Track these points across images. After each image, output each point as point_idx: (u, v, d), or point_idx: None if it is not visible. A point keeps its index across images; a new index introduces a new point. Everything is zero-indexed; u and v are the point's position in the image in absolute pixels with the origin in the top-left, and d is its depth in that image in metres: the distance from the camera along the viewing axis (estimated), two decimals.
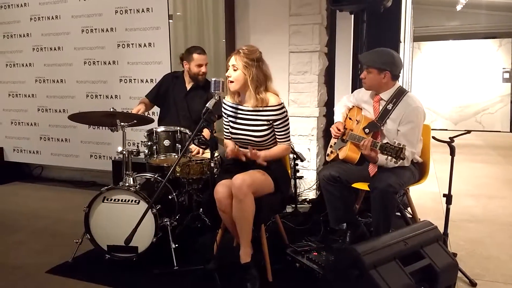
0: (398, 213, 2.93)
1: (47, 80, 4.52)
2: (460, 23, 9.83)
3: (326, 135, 3.89)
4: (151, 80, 3.97)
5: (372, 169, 2.68)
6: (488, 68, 10.01)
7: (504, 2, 8.16)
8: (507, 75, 9.89)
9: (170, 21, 3.92)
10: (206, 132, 2.96)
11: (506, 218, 3.53)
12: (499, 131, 9.86)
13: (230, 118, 2.54)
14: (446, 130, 10.08)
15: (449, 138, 2.51)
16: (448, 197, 2.61)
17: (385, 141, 2.64)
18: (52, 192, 4.44)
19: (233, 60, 2.39)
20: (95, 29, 4.18)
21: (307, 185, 3.80)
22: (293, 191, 3.48)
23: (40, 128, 4.66)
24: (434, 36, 10.30)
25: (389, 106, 2.63)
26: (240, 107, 2.48)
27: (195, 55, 3.20)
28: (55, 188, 4.61)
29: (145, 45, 3.98)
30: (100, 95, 4.29)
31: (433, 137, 2.60)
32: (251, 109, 2.43)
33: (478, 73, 10.08)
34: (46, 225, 3.39)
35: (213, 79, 2.35)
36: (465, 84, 10.21)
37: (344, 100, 3.02)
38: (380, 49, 2.71)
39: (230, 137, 2.58)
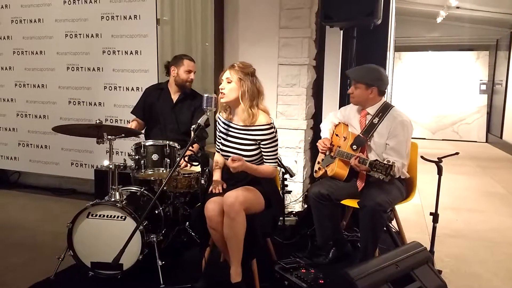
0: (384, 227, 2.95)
1: (28, 84, 4.37)
2: (439, 35, 10.04)
3: (313, 148, 3.89)
4: (137, 89, 3.89)
5: (360, 184, 2.70)
6: (466, 80, 10.27)
7: (482, 16, 8.37)
8: (484, 87, 10.17)
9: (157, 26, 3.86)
10: (195, 146, 2.93)
11: (486, 233, 3.61)
12: (476, 141, 10.12)
13: (221, 134, 2.50)
14: (425, 139, 10.28)
15: (438, 158, 2.55)
16: (435, 216, 2.65)
17: (372, 154, 2.67)
18: (30, 200, 4.29)
19: (228, 74, 2.38)
20: (80, 34, 4.07)
21: (293, 197, 3.79)
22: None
23: (19, 134, 4.51)
24: (414, 47, 10.50)
25: (375, 120, 2.67)
26: (231, 124, 2.45)
27: (186, 61, 3.19)
28: (32, 195, 4.46)
29: (131, 53, 3.90)
30: (83, 102, 4.18)
31: (422, 157, 2.64)
32: (241, 127, 2.39)
33: (456, 84, 10.34)
34: (25, 237, 3.27)
35: (205, 95, 2.31)
36: (443, 94, 10.44)
37: (330, 116, 3.05)
38: (368, 66, 2.75)
39: (220, 152, 2.55)
